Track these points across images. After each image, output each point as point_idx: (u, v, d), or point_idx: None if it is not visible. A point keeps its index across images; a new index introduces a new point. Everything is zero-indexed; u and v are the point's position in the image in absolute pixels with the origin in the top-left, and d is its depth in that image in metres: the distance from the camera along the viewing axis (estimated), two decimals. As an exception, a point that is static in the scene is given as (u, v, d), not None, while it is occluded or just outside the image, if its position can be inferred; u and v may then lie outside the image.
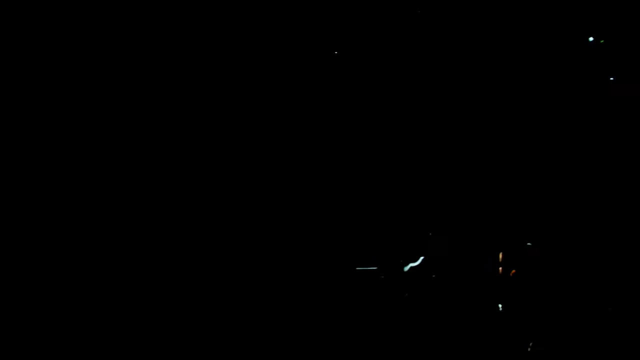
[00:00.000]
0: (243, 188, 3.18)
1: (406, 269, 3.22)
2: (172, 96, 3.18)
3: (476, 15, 3.26)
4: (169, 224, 3.12)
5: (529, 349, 3.10)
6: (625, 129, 3.20)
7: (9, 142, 3.06)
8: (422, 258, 3.23)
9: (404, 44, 3.29)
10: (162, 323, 3.01)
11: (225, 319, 3.02)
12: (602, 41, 3.17)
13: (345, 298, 3.15)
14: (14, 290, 2.97)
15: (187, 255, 3.10)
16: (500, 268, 3.21)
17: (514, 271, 3.20)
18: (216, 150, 3.18)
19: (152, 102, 3.17)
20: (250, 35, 3.22)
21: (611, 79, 3.20)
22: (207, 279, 3.08)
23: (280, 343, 3.03)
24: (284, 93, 3.25)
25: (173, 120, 3.18)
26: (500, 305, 3.16)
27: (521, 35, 3.24)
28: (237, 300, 3.06)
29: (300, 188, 3.21)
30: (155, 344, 2.98)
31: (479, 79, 3.29)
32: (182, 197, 3.15)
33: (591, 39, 3.20)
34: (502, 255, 3.22)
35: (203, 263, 3.10)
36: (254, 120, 3.22)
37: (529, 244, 3.21)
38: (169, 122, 3.18)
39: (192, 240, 3.11)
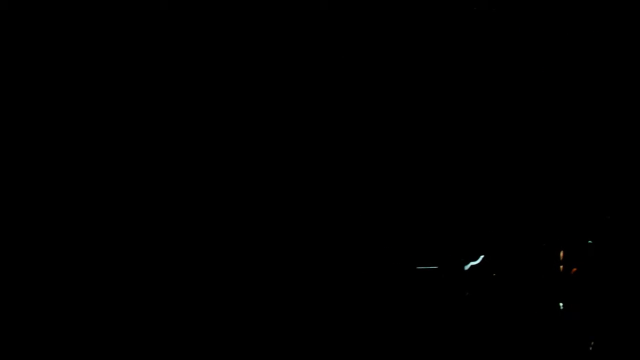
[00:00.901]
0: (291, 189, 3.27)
1: (467, 267, 3.31)
2: (173, 98, 3.20)
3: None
4: (169, 223, 3.15)
5: (590, 348, 3.07)
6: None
7: (10, 142, 3.08)
8: (482, 257, 3.30)
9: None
10: (163, 322, 3.07)
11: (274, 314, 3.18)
12: None
13: (408, 297, 3.32)
14: (14, 290, 3.01)
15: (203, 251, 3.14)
16: (561, 266, 3.17)
17: (575, 269, 3.14)
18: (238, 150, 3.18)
19: (153, 104, 3.19)
20: (251, 36, 3.21)
21: None
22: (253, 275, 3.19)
23: (347, 338, 3.27)
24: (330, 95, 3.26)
25: (173, 121, 3.20)
26: (561, 304, 3.14)
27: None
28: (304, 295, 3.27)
29: (362, 191, 3.38)
30: (155, 343, 3.04)
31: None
32: (186, 197, 3.17)
33: None
34: (563, 253, 3.17)
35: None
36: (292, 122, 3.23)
37: (590, 241, 3.12)
38: (169, 123, 3.20)
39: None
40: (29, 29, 3.11)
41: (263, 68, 3.28)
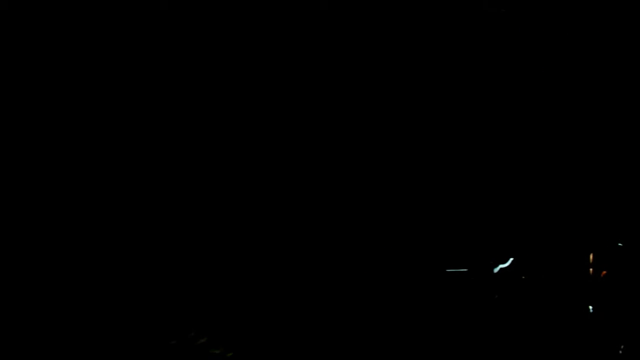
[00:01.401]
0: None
1: (496, 270, 3.32)
2: (173, 98, 3.20)
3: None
4: (169, 223, 3.16)
5: (620, 352, 3.05)
6: None
7: (10, 142, 3.06)
8: (511, 259, 3.31)
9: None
10: (163, 322, 3.11)
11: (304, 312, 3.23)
12: None
13: (437, 299, 3.35)
14: (14, 290, 3.00)
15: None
16: (591, 269, 3.17)
17: (604, 272, 3.14)
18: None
19: (153, 104, 3.19)
20: (251, 36, 3.20)
21: None
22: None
23: (376, 339, 3.30)
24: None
25: (173, 121, 3.20)
26: (590, 307, 3.13)
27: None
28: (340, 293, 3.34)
29: (390, 192, 3.43)
30: (155, 343, 3.08)
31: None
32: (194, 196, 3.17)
33: None
34: (593, 256, 3.17)
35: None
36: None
37: (620, 244, 3.12)
38: (169, 123, 3.20)
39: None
40: (29, 29, 3.10)
41: (263, 68, 3.30)
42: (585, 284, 3.17)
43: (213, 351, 3.20)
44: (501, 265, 3.33)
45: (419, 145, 3.39)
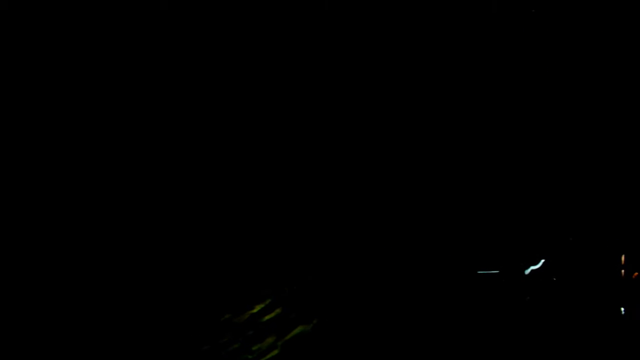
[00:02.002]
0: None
1: (527, 272, 3.35)
2: (173, 98, 3.20)
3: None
4: (169, 223, 3.16)
5: (653, 352, 3.10)
6: None
7: (10, 142, 3.07)
8: (542, 261, 3.34)
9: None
10: (163, 322, 3.10)
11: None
12: None
13: (469, 301, 3.36)
14: (13, 290, 2.99)
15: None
16: (623, 270, 3.21)
17: (636, 273, 3.18)
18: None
19: (153, 104, 3.19)
20: (251, 37, 3.20)
21: None
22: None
23: (407, 342, 3.31)
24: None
25: (173, 121, 3.20)
26: (622, 309, 3.18)
27: None
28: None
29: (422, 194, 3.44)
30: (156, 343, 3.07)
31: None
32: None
33: None
34: (625, 257, 3.21)
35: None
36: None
37: (652, 246, 3.16)
38: (169, 123, 3.20)
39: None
40: (29, 29, 3.09)
41: (263, 68, 3.29)
42: (617, 286, 3.21)
43: (246, 357, 3.16)
44: (532, 267, 3.35)
45: (451, 149, 3.39)
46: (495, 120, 3.39)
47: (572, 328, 3.24)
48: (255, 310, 3.17)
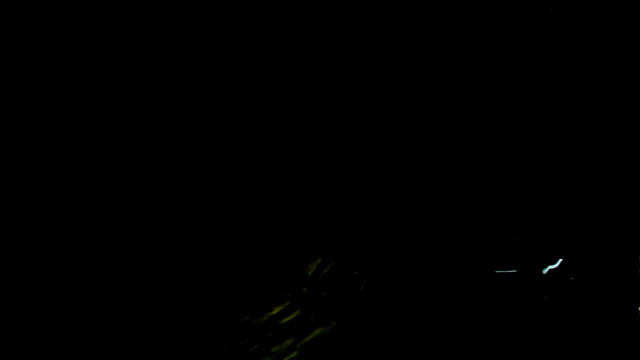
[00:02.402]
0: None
1: (545, 271, 3.35)
2: (173, 98, 3.18)
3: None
4: (169, 223, 3.15)
5: (672, 352, 3.11)
6: None
7: (9, 142, 3.06)
8: (560, 260, 3.34)
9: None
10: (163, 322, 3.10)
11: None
12: None
13: (486, 301, 3.37)
14: (13, 290, 2.99)
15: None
16: (641, 271, 3.21)
17: (656, 274, 3.18)
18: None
19: (152, 104, 3.17)
20: (251, 37, 3.18)
21: None
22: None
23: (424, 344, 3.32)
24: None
25: (173, 121, 3.19)
26: (641, 308, 3.19)
27: None
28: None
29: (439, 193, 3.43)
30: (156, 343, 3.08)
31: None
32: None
33: None
34: (643, 258, 3.21)
35: None
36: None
37: (671, 246, 3.16)
38: (169, 123, 3.19)
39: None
40: (29, 28, 3.08)
41: (263, 68, 3.27)
42: (635, 286, 3.21)
43: (264, 358, 3.17)
44: (550, 266, 3.35)
45: (468, 148, 3.38)
46: (512, 118, 3.37)
47: (590, 328, 3.24)
48: (274, 312, 3.16)
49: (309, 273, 3.20)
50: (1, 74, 3.06)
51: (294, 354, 3.13)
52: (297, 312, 3.17)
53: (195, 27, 3.19)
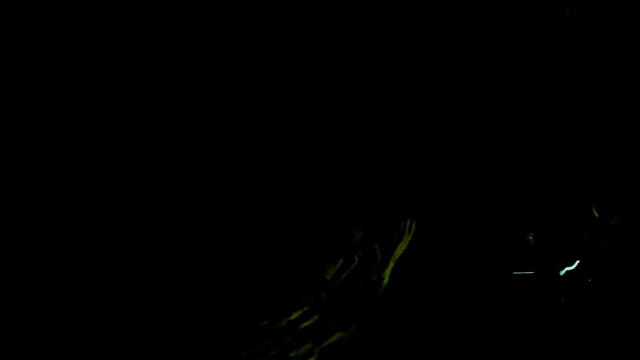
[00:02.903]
0: None
1: (562, 273, 3.35)
2: (172, 98, 3.17)
3: None
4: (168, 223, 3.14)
5: (691, 354, 3.12)
6: None
7: (9, 142, 3.05)
8: (577, 261, 3.34)
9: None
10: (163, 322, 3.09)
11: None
12: None
13: (503, 302, 3.37)
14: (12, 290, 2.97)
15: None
16: (660, 272, 3.21)
17: (674, 276, 3.18)
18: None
19: (152, 104, 3.16)
20: (251, 37, 3.17)
21: None
22: None
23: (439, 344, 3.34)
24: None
25: (173, 121, 3.18)
26: (660, 310, 3.19)
27: None
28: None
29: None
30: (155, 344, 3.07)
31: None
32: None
33: None
34: (662, 259, 3.21)
35: None
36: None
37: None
38: (169, 123, 3.18)
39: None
40: (29, 28, 3.07)
41: (263, 68, 3.26)
42: (654, 287, 3.22)
43: (284, 363, 3.18)
44: (567, 268, 3.36)
45: (485, 151, 3.37)
46: (531, 119, 3.35)
47: (608, 330, 3.25)
48: (292, 317, 3.17)
49: (328, 278, 3.20)
50: (1, 74, 3.05)
51: (312, 358, 3.14)
52: (315, 317, 3.17)
53: (195, 26, 3.18)
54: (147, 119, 3.16)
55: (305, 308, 3.17)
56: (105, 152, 3.12)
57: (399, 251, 3.20)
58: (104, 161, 3.12)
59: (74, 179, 3.10)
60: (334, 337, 3.15)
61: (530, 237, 3.33)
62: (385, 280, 3.19)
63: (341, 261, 3.19)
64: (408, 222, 3.21)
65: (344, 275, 3.18)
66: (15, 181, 3.03)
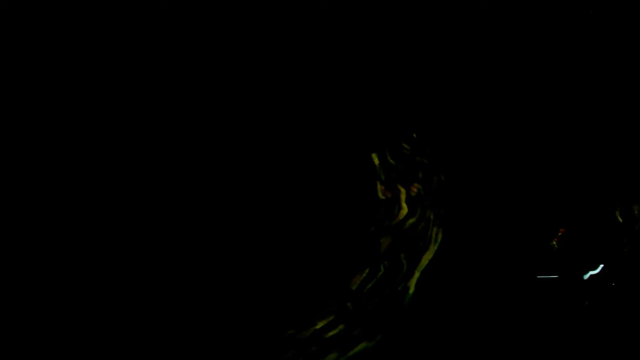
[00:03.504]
0: None
1: (586, 277, 3.35)
2: (172, 98, 3.15)
3: None
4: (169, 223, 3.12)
5: None
6: None
7: (9, 142, 3.03)
8: (601, 266, 3.33)
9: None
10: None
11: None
12: None
13: (527, 306, 3.38)
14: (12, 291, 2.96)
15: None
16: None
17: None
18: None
19: (152, 104, 3.14)
20: (251, 37, 3.14)
21: None
22: None
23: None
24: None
25: (173, 121, 3.15)
26: (684, 315, 3.20)
27: None
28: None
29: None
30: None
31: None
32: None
33: None
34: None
35: None
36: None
37: None
38: (169, 123, 3.15)
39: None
40: (29, 28, 3.05)
41: (263, 68, 3.23)
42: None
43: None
44: (591, 272, 3.35)
45: (520, 152, 3.35)
46: (557, 130, 3.32)
47: (631, 334, 3.26)
48: (318, 327, 3.16)
49: (354, 287, 3.19)
50: (1, 74, 3.03)
51: (338, 367, 3.15)
52: (341, 326, 3.16)
53: (195, 26, 3.15)
54: (150, 120, 3.15)
55: (331, 317, 3.16)
56: (111, 154, 3.11)
57: (425, 261, 3.19)
58: (114, 163, 3.10)
59: (81, 180, 3.08)
60: (360, 347, 3.15)
61: (554, 242, 3.32)
62: (411, 290, 3.18)
63: (367, 270, 3.18)
64: (434, 231, 3.20)
65: (369, 285, 3.17)
66: (15, 181, 3.01)
